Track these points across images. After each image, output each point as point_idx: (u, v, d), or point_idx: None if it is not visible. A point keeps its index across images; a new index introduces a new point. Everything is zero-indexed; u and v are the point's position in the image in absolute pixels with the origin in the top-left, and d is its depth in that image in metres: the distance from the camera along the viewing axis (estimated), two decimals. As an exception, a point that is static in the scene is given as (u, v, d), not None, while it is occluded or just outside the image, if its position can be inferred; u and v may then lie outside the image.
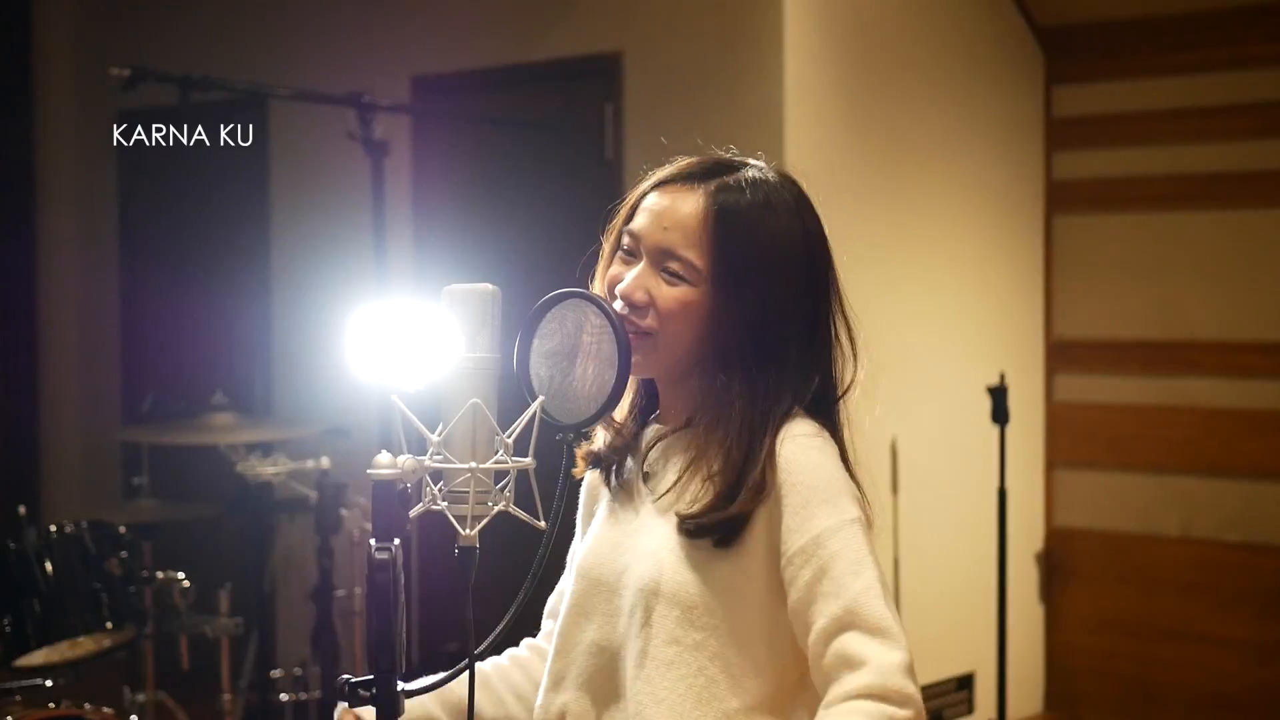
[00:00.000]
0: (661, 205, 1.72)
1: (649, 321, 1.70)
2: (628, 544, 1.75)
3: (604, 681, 1.75)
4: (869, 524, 1.67)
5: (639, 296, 1.70)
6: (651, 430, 1.80)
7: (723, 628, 1.67)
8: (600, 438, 1.82)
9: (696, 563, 1.67)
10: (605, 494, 1.82)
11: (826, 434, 1.72)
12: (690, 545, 1.68)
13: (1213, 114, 4.94)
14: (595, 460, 1.82)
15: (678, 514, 1.69)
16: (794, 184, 1.77)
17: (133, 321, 6.03)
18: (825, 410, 1.75)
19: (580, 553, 1.81)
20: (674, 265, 1.70)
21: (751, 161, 1.77)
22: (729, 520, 1.66)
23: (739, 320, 1.68)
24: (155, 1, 6.00)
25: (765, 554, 1.66)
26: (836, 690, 1.57)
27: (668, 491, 1.72)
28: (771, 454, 1.67)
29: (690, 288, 1.69)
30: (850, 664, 1.57)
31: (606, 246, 1.80)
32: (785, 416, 1.70)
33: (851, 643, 1.58)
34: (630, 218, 1.76)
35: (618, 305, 1.71)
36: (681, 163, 1.77)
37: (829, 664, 1.60)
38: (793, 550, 1.63)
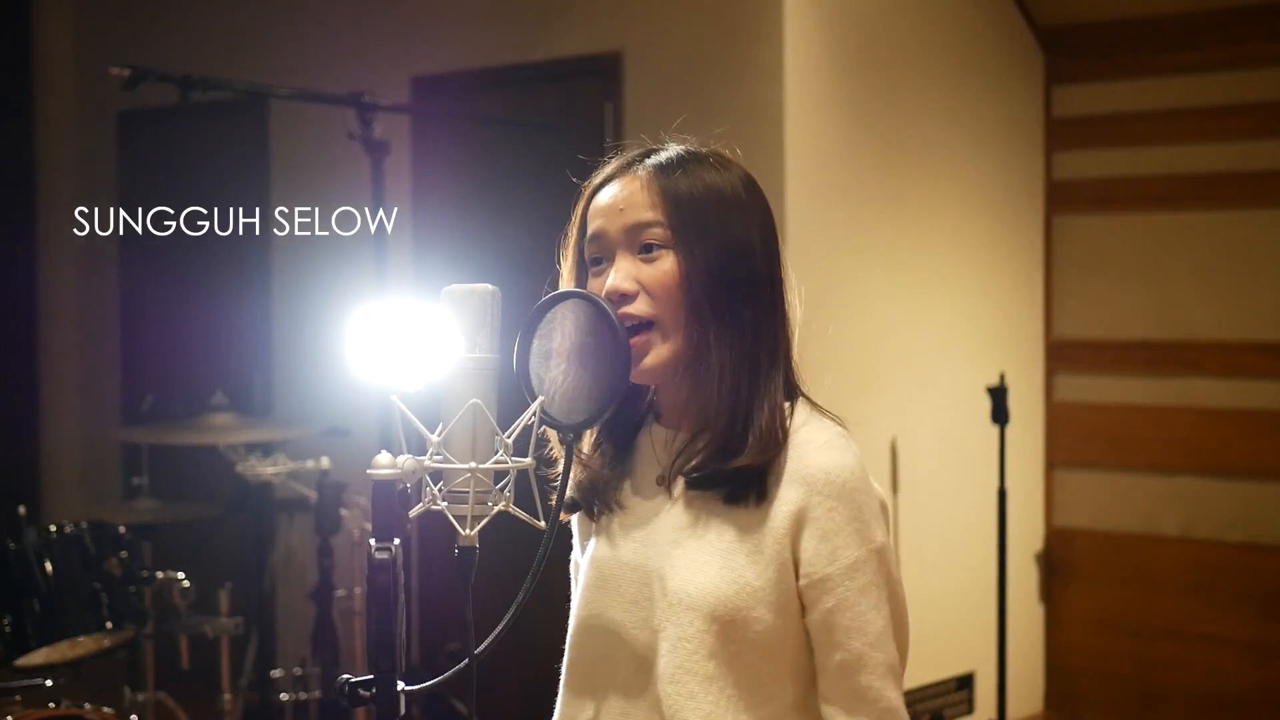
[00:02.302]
0: (609, 198, 1.74)
1: (643, 307, 1.69)
2: (652, 553, 1.73)
3: (629, 692, 1.73)
4: (888, 534, 1.71)
5: (628, 285, 1.69)
6: (661, 431, 1.78)
7: (759, 640, 1.67)
8: (579, 474, 1.79)
9: (734, 576, 1.66)
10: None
11: (846, 433, 1.73)
12: (727, 557, 1.67)
13: (1213, 114, 4.94)
14: (574, 504, 1.80)
15: (683, 474, 1.70)
16: (713, 150, 1.81)
17: (133, 321, 6.03)
18: (793, 386, 1.76)
19: (594, 561, 1.78)
20: (646, 236, 1.70)
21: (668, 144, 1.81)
22: (738, 472, 1.66)
23: (704, 268, 1.69)
24: (155, 1, 6.00)
25: (791, 566, 1.67)
26: None
27: (684, 492, 1.72)
28: (780, 411, 1.69)
29: (667, 252, 1.70)
30: (869, 702, 1.66)
31: (566, 269, 1.79)
32: (778, 375, 1.71)
33: (871, 681, 1.66)
34: (583, 233, 1.77)
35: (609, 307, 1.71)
36: (604, 167, 1.79)
37: (845, 692, 1.67)
38: (818, 575, 1.66)
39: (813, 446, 1.68)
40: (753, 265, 1.72)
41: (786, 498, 1.66)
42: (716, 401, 1.68)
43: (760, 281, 1.72)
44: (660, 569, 1.71)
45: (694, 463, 1.69)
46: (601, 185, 1.77)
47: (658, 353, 1.70)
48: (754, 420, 1.67)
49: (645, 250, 1.70)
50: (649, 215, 1.71)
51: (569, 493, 1.78)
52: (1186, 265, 5.01)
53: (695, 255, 1.69)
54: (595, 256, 1.74)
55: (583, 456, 1.79)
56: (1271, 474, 4.85)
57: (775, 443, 1.67)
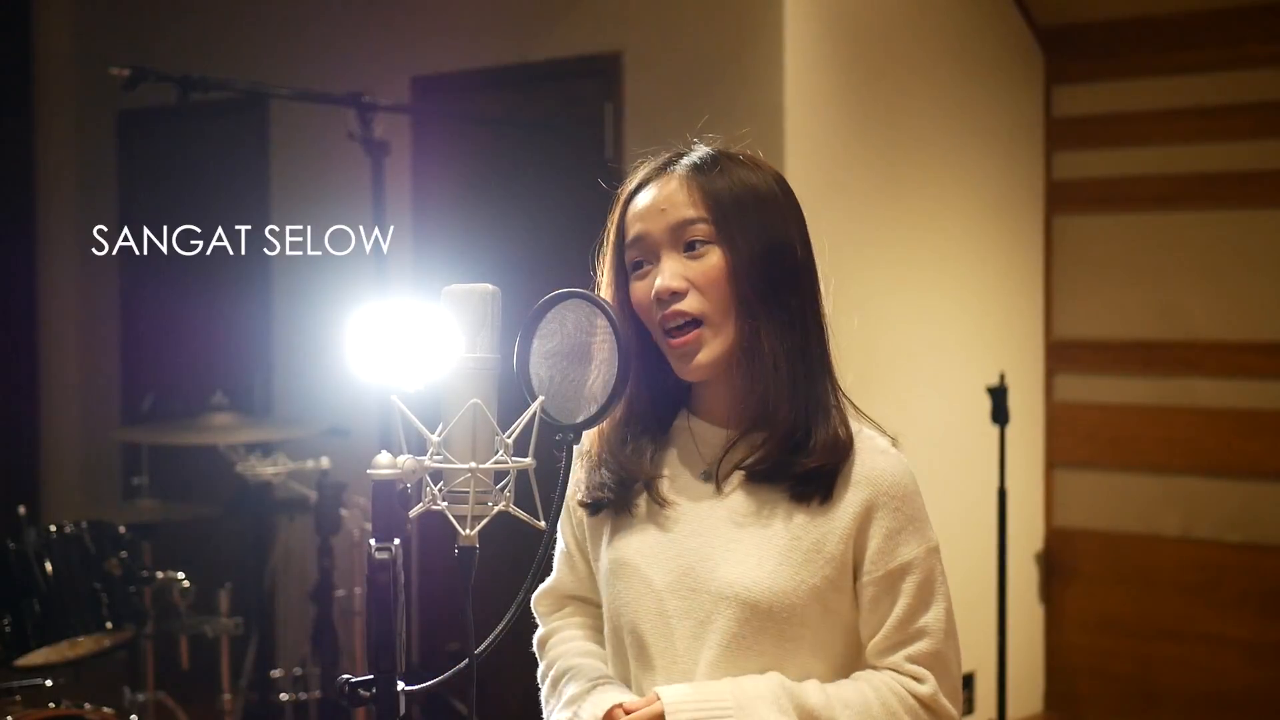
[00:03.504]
0: (649, 200, 1.76)
1: (694, 303, 1.71)
2: (698, 545, 1.73)
3: (655, 684, 1.74)
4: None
5: (678, 283, 1.71)
6: (706, 427, 1.78)
7: (807, 638, 1.70)
8: (600, 475, 1.80)
9: (791, 573, 1.69)
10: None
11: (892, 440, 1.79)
12: (785, 554, 1.69)
13: (1213, 114, 4.94)
14: (599, 502, 1.81)
15: (741, 467, 1.72)
16: (742, 150, 1.83)
17: (133, 321, 6.03)
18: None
19: (625, 555, 1.78)
20: (691, 233, 1.72)
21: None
22: (808, 473, 1.69)
23: (748, 261, 1.71)
24: (155, 1, 6.00)
25: (850, 566, 1.72)
26: (894, 676, 1.70)
27: (741, 485, 1.73)
28: (842, 414, 1.73)
29: (712, 247, 1.72)
30: (910, 672, 1.71)
31: (605, 277, 1.80)
32: (828, 375, 1.75)
33: (913, 659, 1.72)
34: (622, 238, 1.78)
35: (658, 308, 1.72)
36: (636, 173, 1.81)
37: (883, 666, 1.73)
38: (879, 573, 1.72)
39: (875, 451, 1.74)
40: (794, 261, 1.75)
41: (852, 499, 1.72)
42: (775, 391, 1.70)
43: (802, 277, 1.76)
44: (709, 561, 1.72)
45: (757, 456, 1.72)
46: (637, 190, 1.78)
47: (710, 349, 1.72)
48: (818, 419, 1.71)
49: (690, 248, 1.72)
50: (691, 213, 1.72)
51: (588, 494, 1.80)
52: (1186, 265, 5.01)
53: (740, 249, 1.71)
54: (637, 260, 1.76)
55: (611, 453, 1.80)
56: (1271, 474, 4.85)
57: (844, 447, 1.72)
